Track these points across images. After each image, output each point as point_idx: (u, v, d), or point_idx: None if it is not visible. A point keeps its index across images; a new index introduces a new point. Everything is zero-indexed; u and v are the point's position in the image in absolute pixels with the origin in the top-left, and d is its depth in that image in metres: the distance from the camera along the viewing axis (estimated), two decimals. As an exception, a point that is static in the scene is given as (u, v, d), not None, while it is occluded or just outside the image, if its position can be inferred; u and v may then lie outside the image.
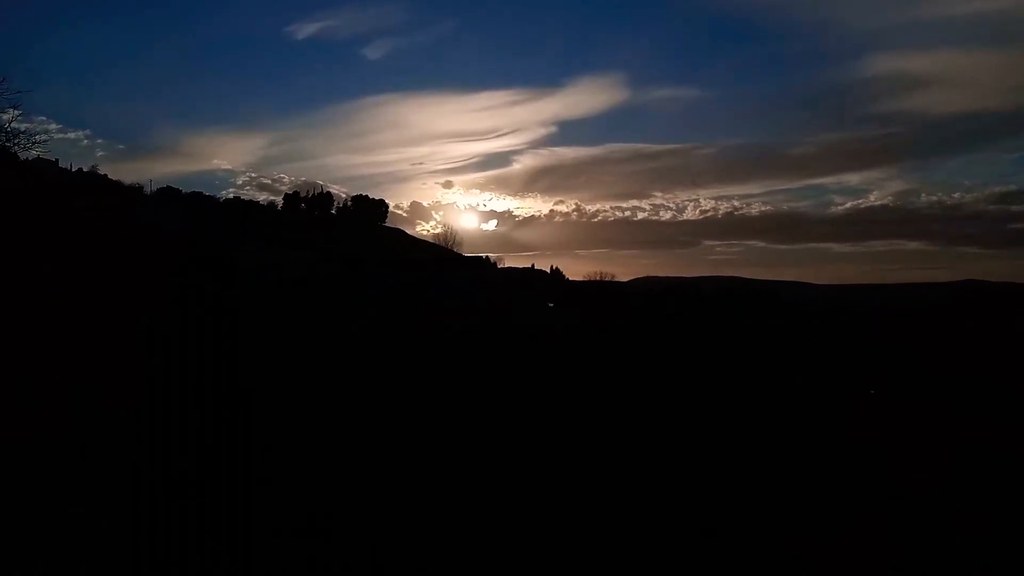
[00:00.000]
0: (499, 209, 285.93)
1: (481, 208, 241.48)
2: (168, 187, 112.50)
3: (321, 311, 32.16)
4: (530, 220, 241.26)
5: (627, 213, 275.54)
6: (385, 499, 8.43)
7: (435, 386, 16.64)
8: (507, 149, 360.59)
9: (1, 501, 7.68)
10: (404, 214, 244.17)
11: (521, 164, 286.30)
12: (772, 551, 7.49)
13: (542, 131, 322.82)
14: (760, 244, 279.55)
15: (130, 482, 5.08)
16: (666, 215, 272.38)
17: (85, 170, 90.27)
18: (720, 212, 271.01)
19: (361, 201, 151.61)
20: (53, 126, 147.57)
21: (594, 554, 7.12)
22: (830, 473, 10.61)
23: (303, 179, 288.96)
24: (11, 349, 12.00)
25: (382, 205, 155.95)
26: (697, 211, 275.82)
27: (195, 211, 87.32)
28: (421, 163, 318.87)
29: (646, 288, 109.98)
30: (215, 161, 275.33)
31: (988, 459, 11.65)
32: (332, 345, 22.68)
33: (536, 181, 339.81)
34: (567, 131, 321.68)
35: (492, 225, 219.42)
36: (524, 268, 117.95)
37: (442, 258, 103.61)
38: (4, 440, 9.43)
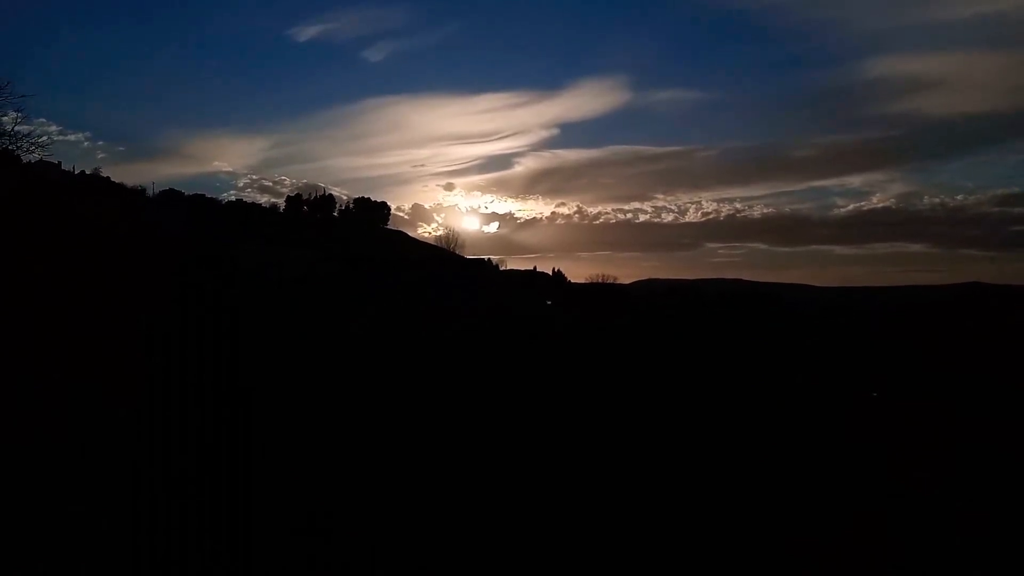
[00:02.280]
0: (501, 211, 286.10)
1: (483, 210, 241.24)
2: (170, 189, 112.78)
3: (321, 310, 32.17)
4: (532, 222, 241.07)
5: (629, 215, 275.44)
6: (385, 499, 8.43)
7: (435, 386, 16.64)
8: (509, 151, 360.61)
9: (1, 501, 7.68)
10: (406, 216, 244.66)
11: (523, 166, 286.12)
12: (772, 550, 7.49)
13: (544, 133, 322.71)
14: (762, 246, 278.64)
15: (130, 482, 5.08)
16: (668, 217, 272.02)
17: (88, 173, 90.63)
18: (722, 214, 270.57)
19: (363, 203, 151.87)
20: (53, 128, 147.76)
21: (594, 553, 7.12)
22: (830, 473, 10.61)
23: (304, 181, 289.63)
24: (11, 349, 12.02)
25: (384, 207, 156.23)
26: (699, 213, 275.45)
27: (197, 213, 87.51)
28: (423, 165, 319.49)
29: (648, 290, 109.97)
30: (216, 163, 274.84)
31: (988, 459, 11.64)
32: (332, 344, 22.68)
33: (538, 183, 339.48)
34: (569, 133, 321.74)
35: (494, 227, 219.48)
36: (526, 270, 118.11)
37: (443, 259, 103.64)
38: (4, 440, 9.44)
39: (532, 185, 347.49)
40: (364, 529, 7.45)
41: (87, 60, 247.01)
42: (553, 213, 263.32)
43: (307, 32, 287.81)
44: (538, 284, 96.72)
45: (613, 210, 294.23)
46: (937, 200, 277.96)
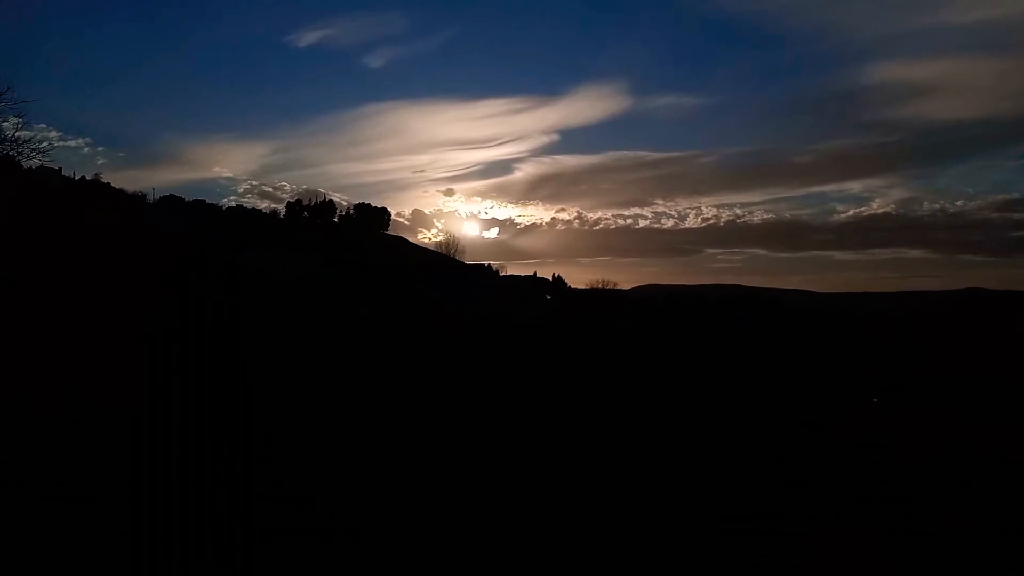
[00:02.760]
0: (501, 217, 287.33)
1: (483, 216, 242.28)
2: (171, 195, 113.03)
3: (322, 314, 32.22)
4: (532, 228, 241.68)
5: (629, 221, 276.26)
6: (385, 500, 8.44)
7: (434, 388, 16.65)
8: (509, 157, 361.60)
9: (2, 501, 7.70)
10: (406, 222, 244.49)
11: (523, 172, 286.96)
12: (773, 553, 7.50)
13: (544, 139, 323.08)
14: (762, 252, 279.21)
15: (130, 482, 5.09)
16: (668, 223, 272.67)
17: (88, 178, 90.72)
18: (722, 220, 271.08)
19: (363, 209, 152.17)
20: (53, 134, 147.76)
21: (591, 555, 7.13)
22: (831, 476, 10.62)
23: (305, 187, 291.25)
24: (14, 349, 12.06)
25: (384, 213, 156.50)
26: (699, 219, 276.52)
27: (197, 218, 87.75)
28: (423, 171, 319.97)
29: (648, 296, 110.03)
30: (216, 169, 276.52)
31: (988, 465, 11.65)
32: (332, 347, 22.71)
33: (538, 189, 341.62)
34: (569, 139, 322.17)
35: (494, 233, 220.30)
36: (526, 276, 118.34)
37: (443, 264, 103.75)
38: (5, 440, 9.47)
39: (532, 191, 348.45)
40: (364, 530, 7.46)
41: (87, 66, 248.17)
42: (553, 218, 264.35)
43: (307, 38, 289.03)
44: (539, 288, 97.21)
45: (613, 215, 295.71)
46: (937, 206, 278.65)
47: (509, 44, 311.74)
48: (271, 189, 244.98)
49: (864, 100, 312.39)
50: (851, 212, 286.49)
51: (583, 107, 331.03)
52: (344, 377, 17.39)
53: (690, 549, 7.47)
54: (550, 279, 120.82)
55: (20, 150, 21.64)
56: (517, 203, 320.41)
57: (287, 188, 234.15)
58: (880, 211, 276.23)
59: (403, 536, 7.33)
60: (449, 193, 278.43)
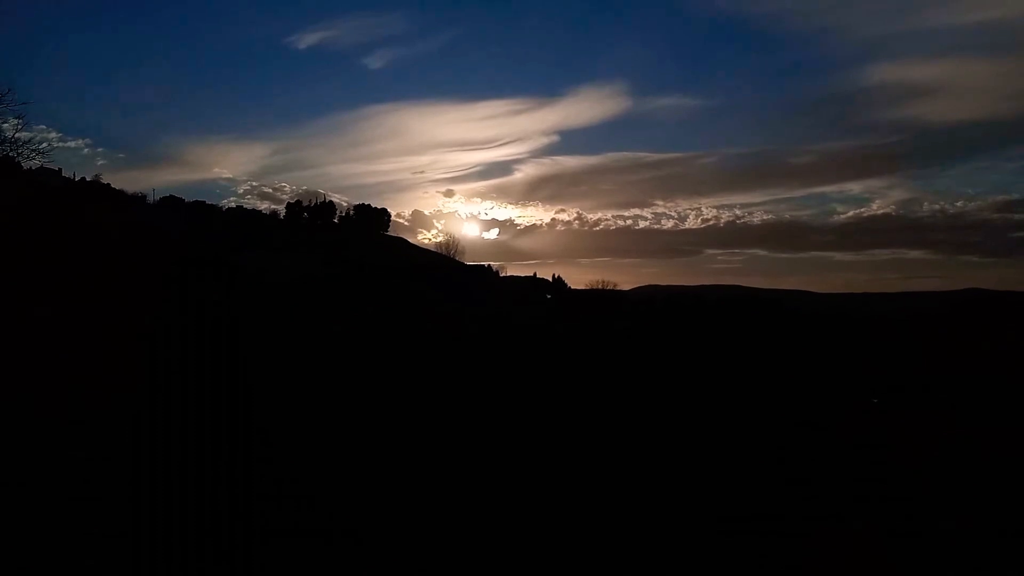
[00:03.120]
0: (501, 218, 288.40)
1: (483, 217, 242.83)
2: (171, 196, 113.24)
3: (321, 314, 32.22)
4: (532, 229, 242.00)
5: (629, 222, 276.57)
6: (384, 499, 8.44)
7: (434, 388, 16.66)
8: (508, 158, 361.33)
9: (2, 501, 7.70)
10: (406, 223, 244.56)
11: (523, 173, 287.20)
12: (771, 554, 7.49)
13: (543, 140, 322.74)
14: (762, 253, 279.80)
15: (130, 482, 5.09)
16: (668, 223, 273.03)
17: (88, 179, 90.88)
18: (722, 221, 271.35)
19: (363, 210, 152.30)
20: (53, 135, 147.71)
21: (591, 555, 7.13)
22: (830, 474, 10.62)
23: (304, 188, 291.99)
24: (14, 349, 12.05)
25: (384, 214, 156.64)
26: (699, 220, 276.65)
27: (197, 219, 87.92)
28: (423, 172, 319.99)
29: (648, 296, 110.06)
30: (216, 170, 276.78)
31: (988, 460, 11.64)
32: (332, 347, 22.73)
33: (537, 190, 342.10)
34: (568, 140, 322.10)
35: (494, 234, 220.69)
36: (526, 276, 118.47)
37: (443, 265, 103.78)
38: (5, 440, 9.47)
39: (532, 191, 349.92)
40: (364, 530, 7.46)
41: (87, 67, 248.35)
42: (553, 219, 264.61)
43: (307, 39, 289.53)
44: (539, 289, 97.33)
45: (613, 216, 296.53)
46: (937, 206, 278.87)
47: (509, 45, 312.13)
48: (271, 190, 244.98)
49: (864, 101, 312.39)
50: (851, 213, 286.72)
51: (583, 108, 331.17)
52: (344, 377, 17.39)
53: (690, 549, 7.47)
54: (550, 280, 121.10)
55: (20, 151, 21.71)
56: (517, 204, 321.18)
57: (287, 189, 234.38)
58: (880, 212, 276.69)
59: (403, 536, 7.33)
60: (449, 194, 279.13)
